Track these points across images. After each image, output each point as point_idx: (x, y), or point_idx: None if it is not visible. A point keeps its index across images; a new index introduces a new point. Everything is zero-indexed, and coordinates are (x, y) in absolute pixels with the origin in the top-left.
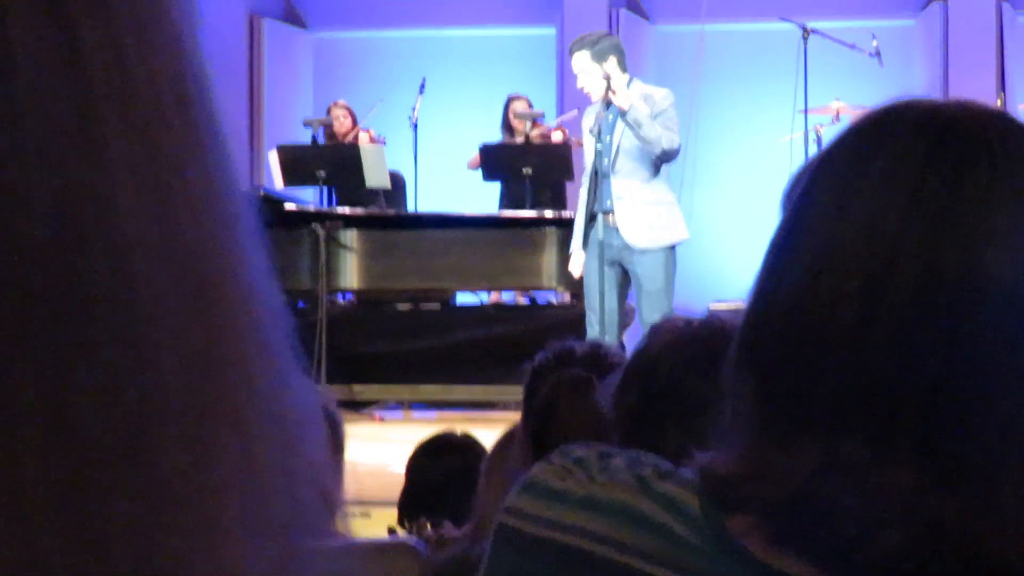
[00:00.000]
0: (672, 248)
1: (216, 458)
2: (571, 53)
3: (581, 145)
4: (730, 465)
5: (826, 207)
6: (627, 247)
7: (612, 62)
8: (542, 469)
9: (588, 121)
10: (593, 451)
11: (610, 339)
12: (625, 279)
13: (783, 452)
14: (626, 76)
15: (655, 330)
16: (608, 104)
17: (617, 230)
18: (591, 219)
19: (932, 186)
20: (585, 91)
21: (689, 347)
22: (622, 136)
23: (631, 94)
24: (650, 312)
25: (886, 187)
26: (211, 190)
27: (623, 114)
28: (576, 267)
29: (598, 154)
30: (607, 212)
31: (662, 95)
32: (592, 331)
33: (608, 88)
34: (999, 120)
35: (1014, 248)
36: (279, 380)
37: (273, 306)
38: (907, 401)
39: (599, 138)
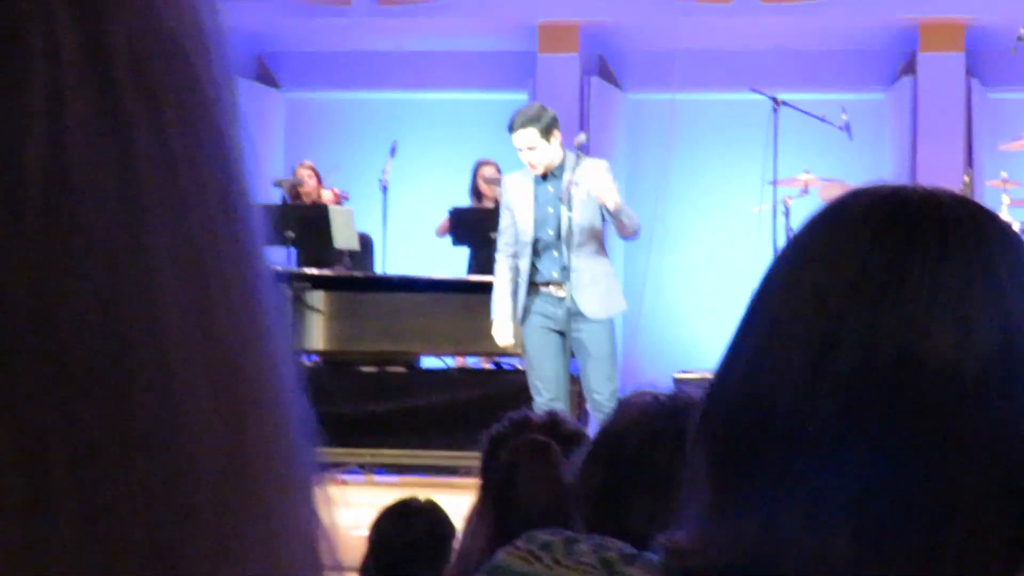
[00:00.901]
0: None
1: (244, 558)
2: (514, 129)
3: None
4: (686, 540)
5: (780, 285)
6: (576, 315)
7: (557, 136)
8: (508, 553)
9: (516, 189)
10: (559, 536)
11: (560, 406)
12: (566, 346)
13: (729, 524)
14: (558, 148)
15: (623, 404)
16: (544, 176)
17: (561, 299)
18: (533, 289)
19: (878, 263)
20: (532, 165)
21: (657, 422)
22: (579, 211)
23: (611, 186)
24: (597, 379)
25: (835, 263)
26: (252, 298)
27: (612, 212)
28: (504, 336)
29: (539, 225)
30: (551, 282)
31: (601, 170)
32: (539, 399)
33: (598, 187)
34: (955, 204)
35: (958, 327)
36: (304, 475)
37: (299, 403)
38: (845, 473)
39: (543, 211)
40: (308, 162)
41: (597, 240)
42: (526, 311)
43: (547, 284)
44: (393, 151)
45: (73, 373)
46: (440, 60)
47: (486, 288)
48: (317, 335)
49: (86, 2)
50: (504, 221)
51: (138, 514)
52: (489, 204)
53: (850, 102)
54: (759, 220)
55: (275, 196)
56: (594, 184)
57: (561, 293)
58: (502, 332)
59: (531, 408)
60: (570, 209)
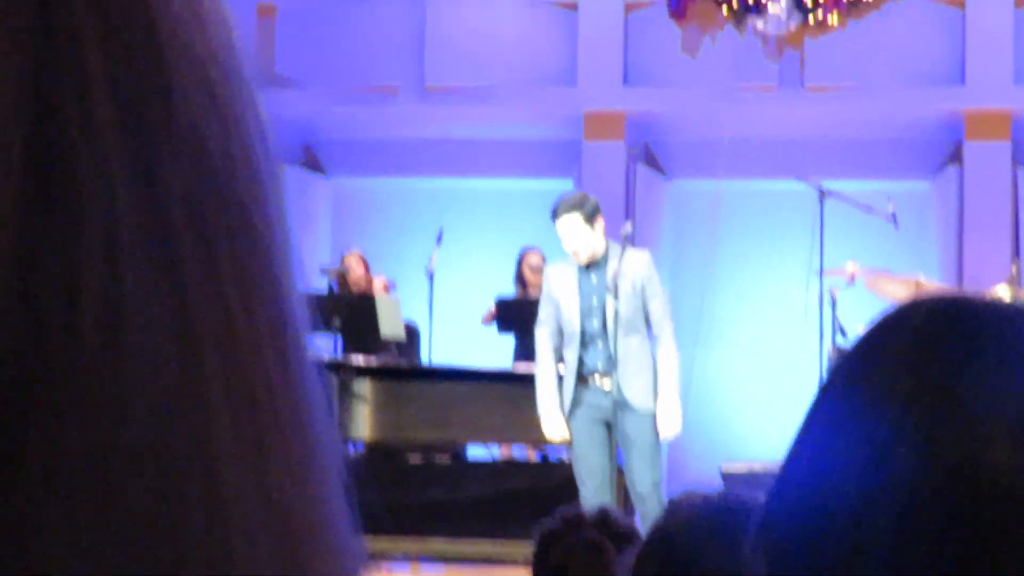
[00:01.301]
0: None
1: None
2: (557, 216)
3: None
4: None
5: (840, 391)
6: (621, 406)
7: (600, 224)
8: None
9: (561, 280)
10: None
11: (606, 497)
12: (611, 438)
13: None
14: (601, 236)
15: (674, 504)
16: (588, 266)
17: (607, 391)
18: (580, 380)
19: (935, 372)
20: (575, 254)
21: (708, 524)
22: (625, 302)
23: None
24: (640, 469)
25: (893, 371)
26: (307, 442)
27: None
28: (556, 429)
29: (585, 316)
30: (597, 373)
31: (645, 261)
32: (584, 490)
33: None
34: (1012, 313)
35: (1016, 440)
36: None
37: (350, 543)
38: None
39: (588, 302)
40: (356, 250)
41: (642, 331)
42: (574, 402)
43: (593, 375)
44: (440, 239)
45: (125, 512)
46: (486, 148)
47: (531, 378)
48: (364, 424)
49: (142, 146)
50: (545, 311)
51: None
52: (534, 292)
53: (896, 191)
54: (805, 311)
55: (322, 284)
56: (664, 429)
57: (607, 384)
58: (553, 425)
59: (577, 500)
60: (616, 299)
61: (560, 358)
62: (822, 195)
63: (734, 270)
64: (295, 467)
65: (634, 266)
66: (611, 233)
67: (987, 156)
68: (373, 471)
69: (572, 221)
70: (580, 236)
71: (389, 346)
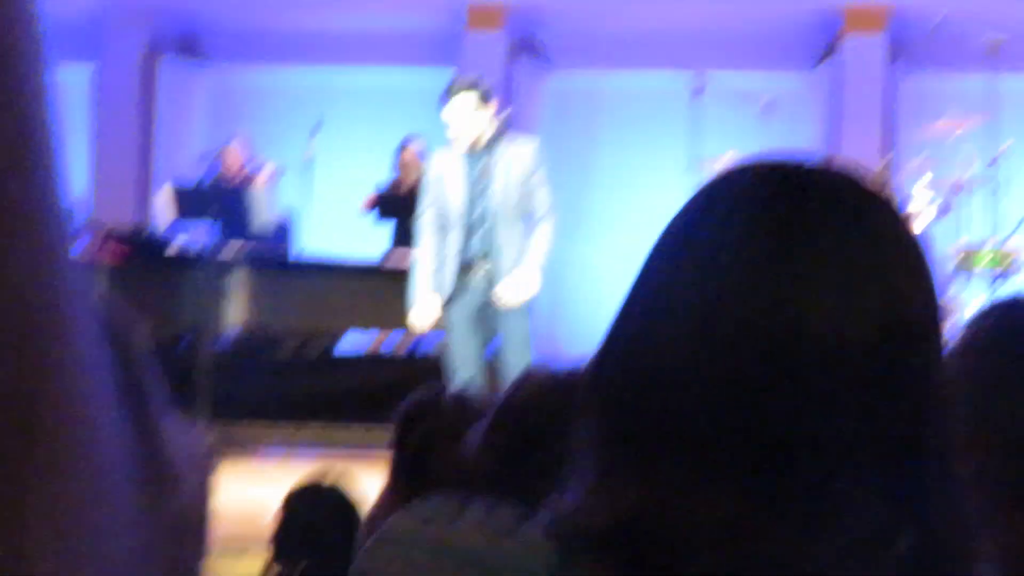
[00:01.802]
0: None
1: (26, 498)
2: (453, 93)
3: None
4: (572, 504)
5: (668, 252)
6: (493, 299)
7: (492, 108)
8: (400, 517)
9: (447, 166)
10: (452, 500)
11: (478, 385)
12: (485, 329)
13: (614, 486)
14: (491, 121)
15: (521, 380)
16: (474, 153)
17: (484, 279)
18: (461, 269)
19: (762, 233)
20: (461, 133)
21: (554, 396)
22: (500, 190)
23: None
24: (513, 361)
25: (720, 233)
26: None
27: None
28: (424, 316)
29: (471, 202)
30: (478, 261)
31: (532, 151)
32: (457, 381)
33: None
34: (840, 177)
35: (841, 298)
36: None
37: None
38: (728, 434)
39: (473, 187)
40: (238, 139)
41: (523, 222)
42: (453, 291)
43: (473, 263)
44: (317, 128)
45: None
46: (367, 37)
47: (402, 271)
48: (237, 314)
49: None
50: (428, 197)
51: None
52: (413, 181)
53: (774, 83)
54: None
55: (199, 171)
56: (506, 297)
57: (486, 272)
58: (423, 312)
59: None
60: (501, 187)
61: (441, 245)
62: (699, 87)
63: (613, 162)
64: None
65: (521, 156)
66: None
67: (863, 50)
68: (248, 360)
69: (466, 100)
70: (472, 116)
71: (264, 236)
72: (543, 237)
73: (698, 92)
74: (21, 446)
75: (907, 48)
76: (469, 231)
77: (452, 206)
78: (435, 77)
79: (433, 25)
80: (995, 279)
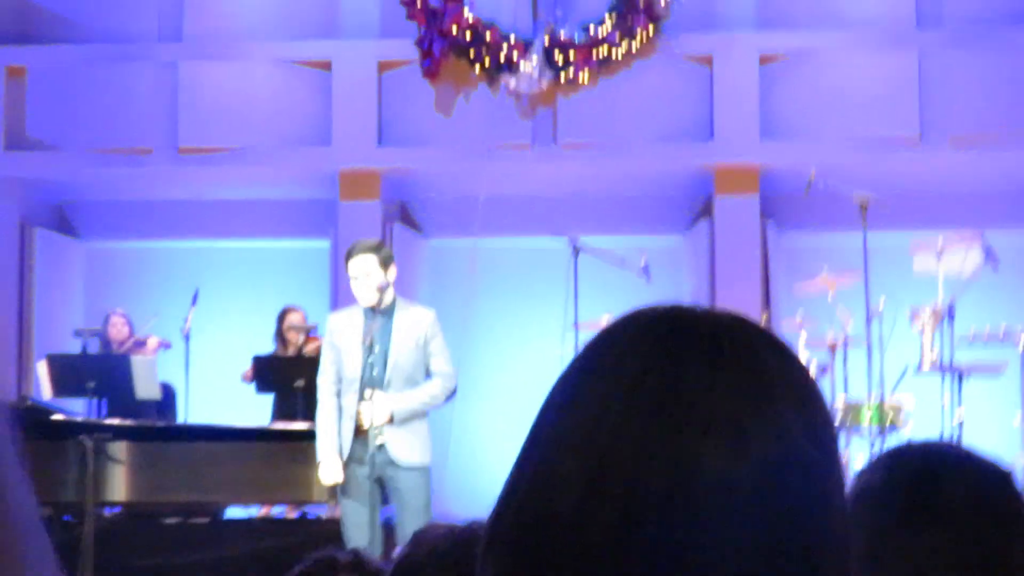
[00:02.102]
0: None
1: None
2: (352, 255)
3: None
4: None
5: (563, 399)
6: (392, 463)
7: (393, 272)
8: None
9: (345, 326)
10: None
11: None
12: (382, 493)
13: None
14: (391, 285)
15: (418, 537)
16: (374, 311)
17: (381, 445)
18: (358, 431)
19: (653, 376)
20: (359, 294)
21: (452, 553)
22: (397, 352)
23: (386, 405)
24: (409, 526)
25: (612, 378)
26: None
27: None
28: (332, 474)
29: (367, 364)
30: (372, 425)
31: (430, 320)
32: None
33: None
34: (728, 320)
35: (732, 440)
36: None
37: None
38: None
39: (370, 349)
40: (120, 310)
41: (418, 384)
42: (349, 455)
43: (368, 428)
44: (195, 300)
45: None
46: (242, 208)
47: (289, 436)
48: (120, 486)
49: None
50: (326, 358)
51: None
52: (293, 350)
53: (650, 245)
54: (562, 364)
55: (75, 346)
56: (374, 416)
57: (381, 439)
58: (330, 470)
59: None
60: (399, 350)
61: (339, 406)
62: (576, 250)
63: (492, 326)
64: None
65: (420, 321)
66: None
67: (736, 210)
68: (130, 534)
69: (367, 261)
70: (372, 278)
71: (147, 408)
72: (429, 387)
73: (575, 256)
74: None
75: (779, 207)
76: (364, 393)
77: (348, 368)
78: (311, 247)
79: (307, 195)
80: (880, 433)
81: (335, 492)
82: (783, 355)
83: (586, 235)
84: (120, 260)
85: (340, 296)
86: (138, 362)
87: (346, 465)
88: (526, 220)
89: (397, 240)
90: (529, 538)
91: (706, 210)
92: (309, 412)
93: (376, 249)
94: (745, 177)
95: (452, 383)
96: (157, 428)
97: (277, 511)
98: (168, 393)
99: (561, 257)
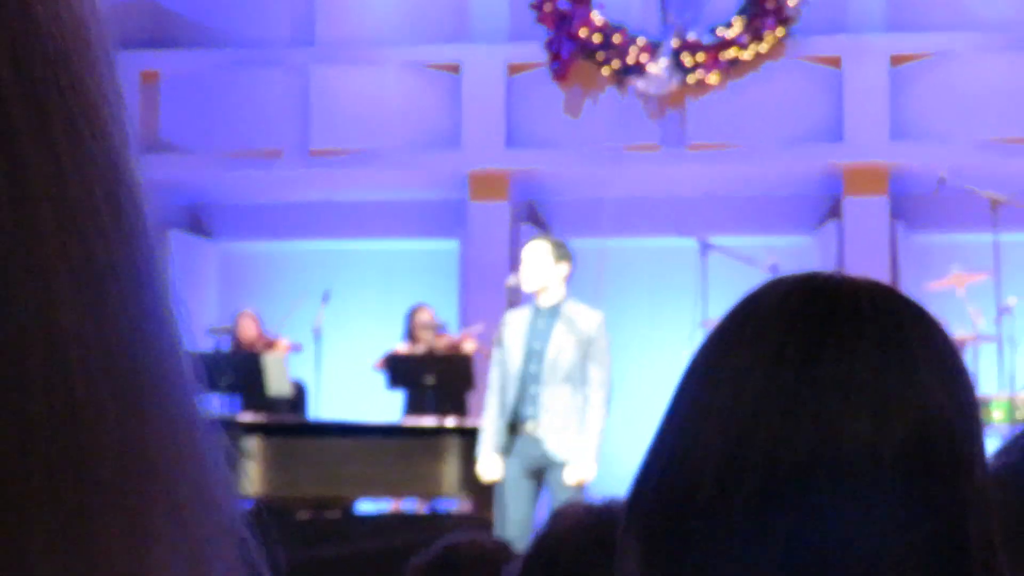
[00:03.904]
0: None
1: (152, 547)
2: (529, 243)
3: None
4: None
5: (701, 373)
6: (549, 457)
7: (564, 269)
8: None
9: (514, 323)
10: None
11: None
12: (539, 489)
13: None
14: (561, 281)
15: (556, 516)
16: (538, 309)
17: (538, 440)
18: (513, 427)
19: (793, 348)
20: (523, 281)
21: (591, 532)
22: (556, 350)
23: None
24: None
25: (752, 350)
26: (142, 292)
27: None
28: (490, 470)
29: (527, 360)
30: (530, 420)
31: (597, 321)
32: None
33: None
34: (870, 289)
35: (873, 411)
36: (205, 462)
37: (192, 386)
38: (768, 552)
39: (530, 347)
40: (249, 310)
41: (578, 386)
42: (505, 450)
43: (527, 421)
44: (326, 299)
45: None
46: (372, 209)
47: (421, 432)
48: (253, 481)
49: None
50: (495, 357)
51: (43, 501)
52: (422, 348)
53: (778, 246)
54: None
55: (209, 345)
56: (571, 474)
57: (539, 433)
58: (488, 464)
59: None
60: (560, 347)
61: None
62: (705, 249)
63: (620, 327)
64: (136, 321)
65: (586, 321)
66: (497, 285)
67: (866, 210)
68: (263, 529)
69: (538, 249)
70: (540, 266)
71: (279, 404)
72: (596, 415)
73: (704, 255)
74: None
75: (909, 207)
76: (524, 389)
77: (511, 363)
78: (440, 247)
79: (436, 196)
80: (1010, 429)
81: (463, 487)
82: (925, 322)
83: (715, 235)
84: (252, 261)
85: (468, 296)
86: (269, 360)
87: (505, 460)
88: (654, 220)
89: (525, 241)
90: (671, 511)
91: (835, 210)
92: (439, 408)
93: (551, 241)
94: (875, 177)
95: (605, 392)
96: (290, 423)
97: (407, 506)
98: (300, 391)
99: (690, 257)
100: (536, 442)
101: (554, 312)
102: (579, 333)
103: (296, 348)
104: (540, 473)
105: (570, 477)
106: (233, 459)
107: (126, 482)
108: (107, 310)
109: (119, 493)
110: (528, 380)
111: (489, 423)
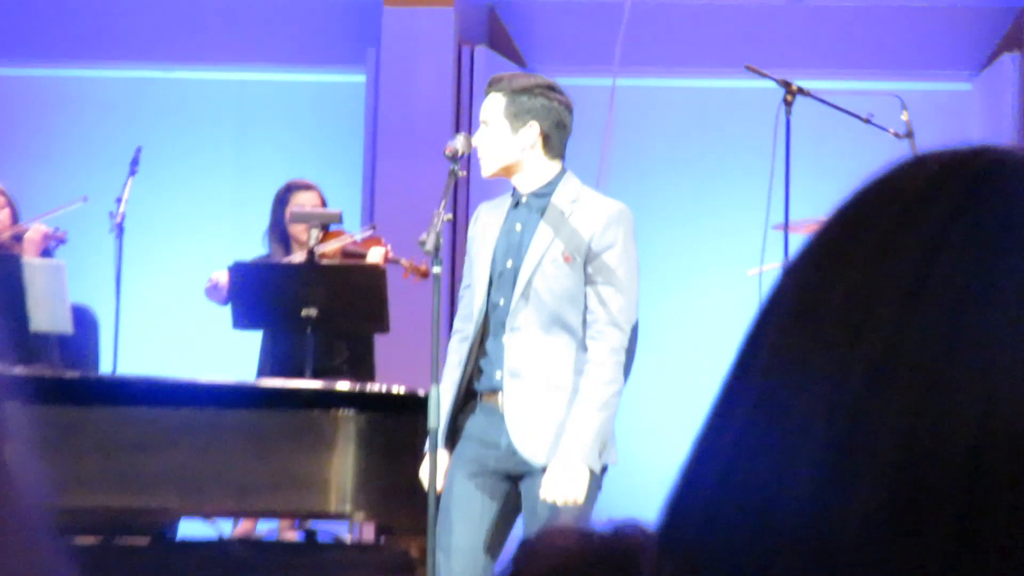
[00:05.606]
0: (604, 469)
1: None
2: (486, 92)
3: (425, 274)
4: None
5: (790, 312)
6: (517, 455)
7: (533, 128)
8: None
9: (485, 225)
10: None
11: None
12: (515, 500)
13: None
14: (558, 164)
15: (527, 551)
16: (519, 200)
17: (504, 425)
18: (466, 399)
19: (950, 264)
20: (480, 157)
21: (587, 571)
22: (530, 269)
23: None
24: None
25: (880, 267)
26: None
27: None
28: (438, 473)
29: (493, 287)
30: (494, 391)
31: (608, 217)
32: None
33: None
34: None
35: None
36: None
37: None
38: None
39: (500, 264)
40: None
41: (570, 330)
42: (454, 432)
43: (488, 391)
44: (134, 166)
45: None
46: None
47: (293, 401)
48: None
49: None
50: (465, 279)
51: None
52: (301, 255)
53: (916, 93)
54: (759, 287)
55: None
56: (551, 493)
57: (507, 413)
58: (435, 465)
59: None
60: (525, 270)
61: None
62: (790, 96)
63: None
64: None
65: (592, 218)
66: (435, 153)
67: None
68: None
69: (494, 105)
70: (496, 129)
71: (47, 347)
72: (599, 389)
73: (784, 107)
74: None
75: None
76: (488, 335)
77: (476, 290)
78: (338, 80)
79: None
80: None
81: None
82: None
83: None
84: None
85: (381, 167)
86: (36, 268)
87: (453, 448)
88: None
89: (481, 74)
90: (731, 541)
91: (1014, 39)
92: (326, 361)
93: (507, 88)
94: None
95: (618, 344)
96: (67, 381)
97: (265, 529)
98: (84, 321)
99: (768, 104)
100: (501, 427)
101: (538, 204)
102: (574, 239)
103: (59, 240)
104: (511, 478)
105: (549, 489)
106: None
107: None
108: None
109: None
110: (493, 321)
111: (447, 390)
